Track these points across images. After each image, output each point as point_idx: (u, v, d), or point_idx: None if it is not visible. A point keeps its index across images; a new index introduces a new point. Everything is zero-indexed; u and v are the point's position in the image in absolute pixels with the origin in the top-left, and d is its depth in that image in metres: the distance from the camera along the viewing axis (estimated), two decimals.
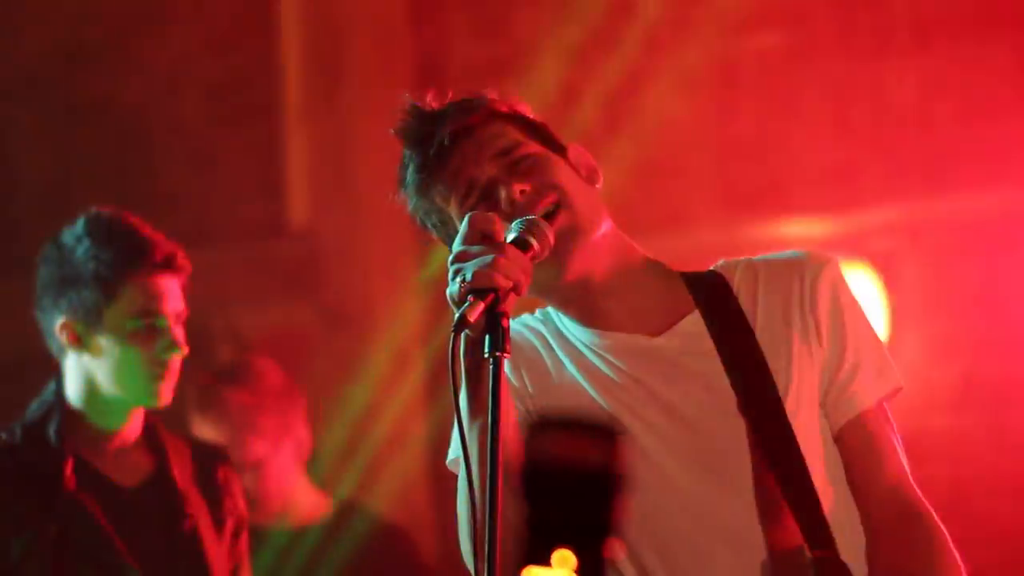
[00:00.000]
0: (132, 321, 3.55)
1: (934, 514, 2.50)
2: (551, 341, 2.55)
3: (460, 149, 2.52)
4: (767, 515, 2.43)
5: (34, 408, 3.65)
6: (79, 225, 3.61)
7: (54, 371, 3.65)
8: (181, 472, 3.67)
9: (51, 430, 3.58)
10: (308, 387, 5.03)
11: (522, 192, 2.47)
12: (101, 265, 3.54)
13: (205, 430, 4.43)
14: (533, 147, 2.54)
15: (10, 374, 4.82)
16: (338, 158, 5.74)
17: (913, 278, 5.18)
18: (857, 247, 5.15)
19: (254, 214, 5.78)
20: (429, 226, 2.60)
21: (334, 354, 5.52)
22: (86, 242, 3.57)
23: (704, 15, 5.28)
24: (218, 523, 3.69)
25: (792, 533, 2.44)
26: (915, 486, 2.52)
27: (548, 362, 2.53)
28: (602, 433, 1.51)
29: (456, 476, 2.47)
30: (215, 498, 3.71)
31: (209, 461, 3.76)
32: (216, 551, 3.65)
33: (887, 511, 2.48)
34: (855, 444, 2.50)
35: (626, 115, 5.31)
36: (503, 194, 2.46)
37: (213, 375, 4.56)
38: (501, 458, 2.16)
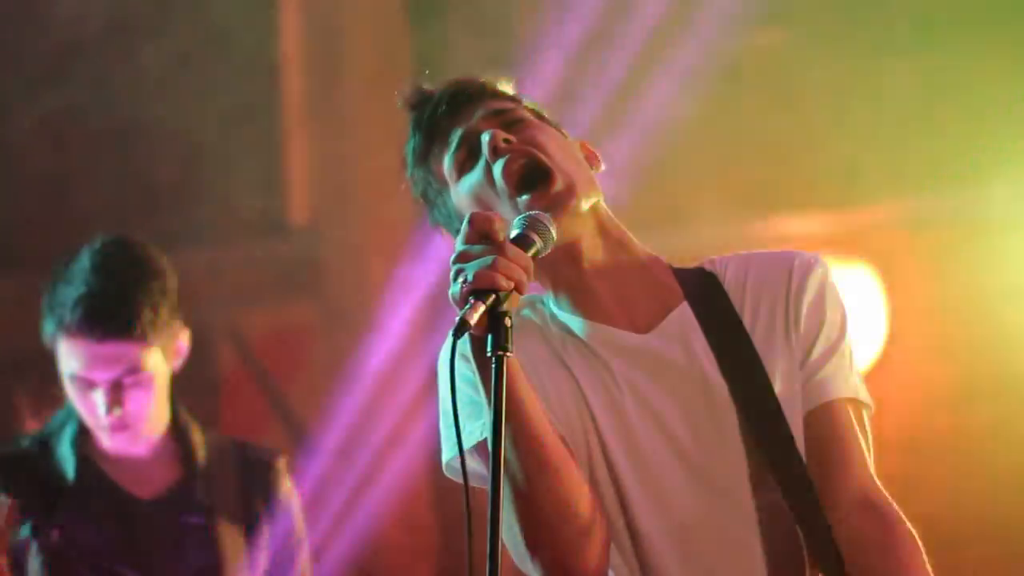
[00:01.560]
0: (67, 378, 3.49)
1: (904, 518, 2.44)
2: (545, 331, 2.54)
3: (457, 110, 2.53)
4: (766, 520, 2.40)
5: (56, 417, 3.62)
6: (80, 254, 3.50)
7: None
8: (211, 483, 3.63)
9: (67, 439, 3.57)
10: (307, 384, 5.04)
11: (506, 140, 2.47)
12: (51, 312, 3.46)
13: None
14: (529, 115, 2.55)
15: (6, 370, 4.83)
16: (338, 157, 5.74)
17: (913, 276, 5.18)
18: (858, 245, 5.15)
19: (254, 212, 5.78)
20: (427, 201, 2.59)
21: (333, 351, 5.52)
22: (59, 277, 3.48)
23: (705, 12, 5.28)
24: (250, 531, 3.61)
25: (794, 540, 2.40)
26: (882, 489, 2.45)
27: (543, 354, 2.51)
28: None
29: (454, 481, 2.47)
30: (251, 505, 3.65)
31: (252, 466, 3.68)
32: (237, 565, 3.59)
33: (858, 513, 2.42)
34: (822, 434, 2.45)
35: (627, 112, 5.30)
36: (485, 139, 2.46)
37: None
38: (502, 455, 2.16)
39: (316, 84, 5.81)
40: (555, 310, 2.54)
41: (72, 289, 3.43)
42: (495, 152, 2.46)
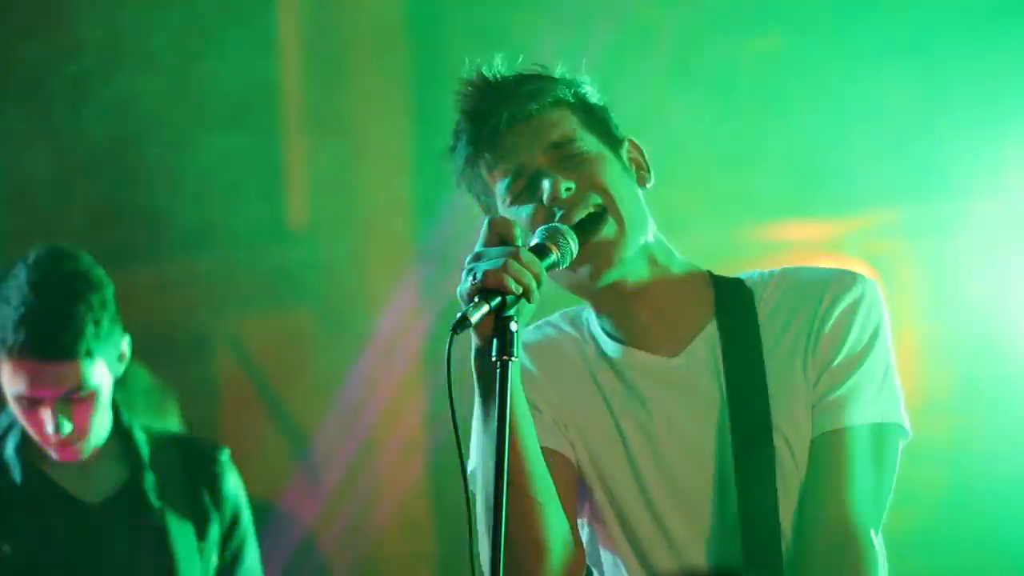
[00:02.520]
0: (12, 397, 3.44)
1: (877, 551, 2.39)
2: (584, 349, 2.54)
3: (515, 132, 2.49)
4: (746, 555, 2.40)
5: None
6: (16, 269, 3.47)
7: None
8: (159, 482, 3.58)
9: (10, 447, 3.54)
10: (308, 390, 5.03)
11: (567, 190, 2.44)
12: None
13: None
14: (589, 143, 2.52)
15: None
16: (337, 162, 5.74)
17: (912, 281, 5.18)
18: (855, 251, 5.15)
19: (254, 218, 5.78)
20: (471, 192, 2.57)
21: (333, 357, 5.52)
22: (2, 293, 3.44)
23: (703, 18, 5.28)
24: (200, 528, 3.59)
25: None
26: (868, 522, 2.39)
27: (579, 371, 2.52)
28: None
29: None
30: (199, 500, 3.61)
31: (197, 461, 3.65)
32: (191, 561, 3.54)
33: (826, 554, 2.38)
34: (815, 463, 2.41)
35: (623, 118, 5.30)
36: (546, 186, 2.44)
37: None
38: (506, 463, 2.16)
39: (316, 92, 5.81)
40: (595, 330, 2.55)
41: (11, 309, 3.39)
42: (554, 201, 2.44)
